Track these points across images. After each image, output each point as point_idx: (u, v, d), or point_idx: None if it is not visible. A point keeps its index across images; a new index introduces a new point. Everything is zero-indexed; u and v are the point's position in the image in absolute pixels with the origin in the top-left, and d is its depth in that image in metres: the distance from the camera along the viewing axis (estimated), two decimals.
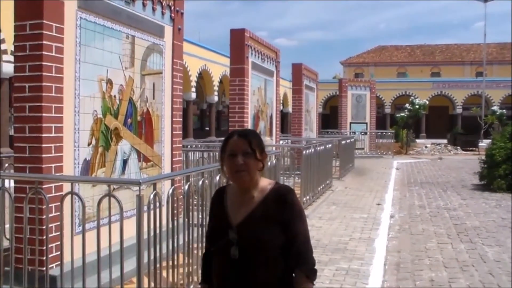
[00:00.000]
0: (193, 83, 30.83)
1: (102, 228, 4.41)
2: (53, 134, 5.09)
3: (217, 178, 6.00)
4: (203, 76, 33.64)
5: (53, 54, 5.10)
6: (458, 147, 35.08)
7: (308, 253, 2.58)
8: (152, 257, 4.53)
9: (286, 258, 2.55)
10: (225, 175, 2.68)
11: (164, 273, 4.94)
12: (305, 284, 2.54)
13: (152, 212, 4.51)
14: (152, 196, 4.47)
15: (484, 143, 30.57)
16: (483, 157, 16.16)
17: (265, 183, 2.65)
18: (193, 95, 31.26)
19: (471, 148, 34.22)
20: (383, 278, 6.70)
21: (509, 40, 61.66)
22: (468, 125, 45.96)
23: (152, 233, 4.51)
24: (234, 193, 2.66)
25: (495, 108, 41.53)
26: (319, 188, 12.83)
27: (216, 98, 35.16)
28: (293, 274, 2.56)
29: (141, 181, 4.28)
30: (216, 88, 34.41)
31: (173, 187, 5.11)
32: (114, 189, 4.67)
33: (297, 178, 11.72)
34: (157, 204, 4.57)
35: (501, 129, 26.86)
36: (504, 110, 40.68)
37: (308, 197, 11.43)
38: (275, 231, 2.53)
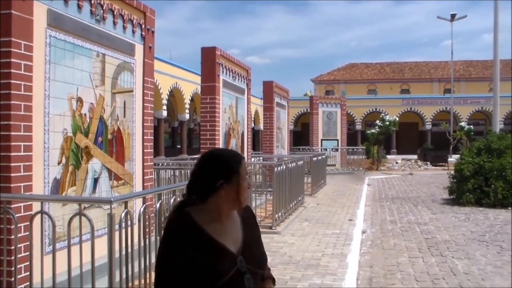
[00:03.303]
0: (164, 101, 30.73)
1: (73, 247, 4.36)
2: (22, 153, 5.01)
3: None
4: (174, 94, 33.57)
5: (22, 72, 5.04)
6: (428, 163, 35.51)
7: None
8: (124, 276, 4.48)
9: None
10: (230, 197, 2.41)
11: None
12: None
13: (123, 230, 4.47)
14: (123, 214, 4.43)
15: (453, 158, 30.97)
16: (452, 172, 16.40)
17: None
18: (164, 113, 31.14)
19: (440, 163, 34.65)
20: None
21: (475, 58, 62.83)
22: (438, 140, 46.63)
23: (124, 252, 4.47)
24: (210, 221, 2.40)
25: (463, 124, 42.15)
26: (291, 205, 12.84)
27: (187, 116, 35.10)
28: None
29: (112, 199, 4.26)
30: (187, 106, 34.36)
31: (144, 205, 5.08)
32: (84, 207, 4.62)
33: (269, 195, 11.72)
34: (129, 222, 4.53)
35: (469, 144, 27.29)
36: (471, 126, 41.31)
37: (280, 214, 11.43)
38: (263, 247, 2.58)
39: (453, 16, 40.84)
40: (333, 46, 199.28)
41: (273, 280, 2.64)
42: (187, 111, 34.51)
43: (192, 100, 35.59)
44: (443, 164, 33.90)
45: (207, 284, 2.28)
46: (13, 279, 4.59)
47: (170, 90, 31.65)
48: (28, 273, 4.58)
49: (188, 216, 2.41)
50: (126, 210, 4.45)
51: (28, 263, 4.58)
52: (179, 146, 40.27)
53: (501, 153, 15.26)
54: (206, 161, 2.47)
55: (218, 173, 2.40)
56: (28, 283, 4.59)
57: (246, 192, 2.45)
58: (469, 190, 14.76)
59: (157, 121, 30.73)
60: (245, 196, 2.45)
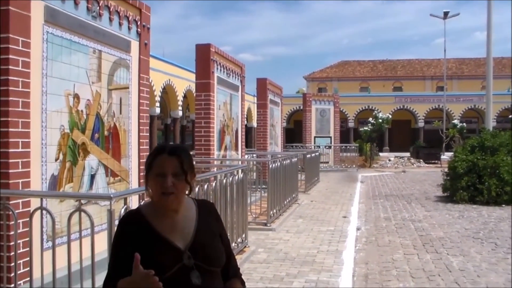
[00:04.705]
0: (157, 98, 30.67)
1: (72, 243, 4.37)
2: (20, 149, 5.01)
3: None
4: (167, 91, 33.51)
5: (20, 68, 5.03)
6: (421, 160, 35.65)
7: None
8: None
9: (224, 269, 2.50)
10: (150, 194, 2.40)
11: None
12: None
13: None
14: (122, 210, 4.44)
15: (445, 156, 31.14)
16: (446, 170, 16.47)
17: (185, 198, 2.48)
18: (158, 110, 31.08)
19: (433, 161, 34.83)
20: None
21: (466, 56, 63.07)
22: (430, 138, 46.83)
23: None
24: (159, 216, 2.37)
25: (455, 121, 42.38)
26: (285, 202, 12.87)
27: (180, 113, 35.03)
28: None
29: (112, 195, 4.26)
30: (180, 103, 34.31)
31: (142, 201, 5.08)
32: (82, 204, 4.62)
33: (263, 192, 11.75)
34: None
35: (462, 142, 27.40)
36: (464, 124, 41.59)
37: (275, 211, 11.46)
38: (220, 244, 2.47)
39: (446, 14, 41.07)
40: (324, 44, 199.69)
41: (242, 281, 2.57)
42: (180, 108, 34.46)
43: (185, 97, 35.55)
44: (436, 161, 34.11)
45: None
46: (13, 274, 4.59)
47: (163, 87, 31.59)
48: (28, 268, 4.58)
49: (138, 210, 2.43)
50: (125, 206, 4.46)
51: (27, 258, 4.58)
52: (172, 143, 40.18)
53: (494, 150, 15.35)
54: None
55: (145, 168, 2.42)
56: (28, 279, 4.60)
57: (157, 189, 2.32)
58: (462, 188, 14.83)
59: (150, 118, 30.58)
60: (158, 194, 2.32)
